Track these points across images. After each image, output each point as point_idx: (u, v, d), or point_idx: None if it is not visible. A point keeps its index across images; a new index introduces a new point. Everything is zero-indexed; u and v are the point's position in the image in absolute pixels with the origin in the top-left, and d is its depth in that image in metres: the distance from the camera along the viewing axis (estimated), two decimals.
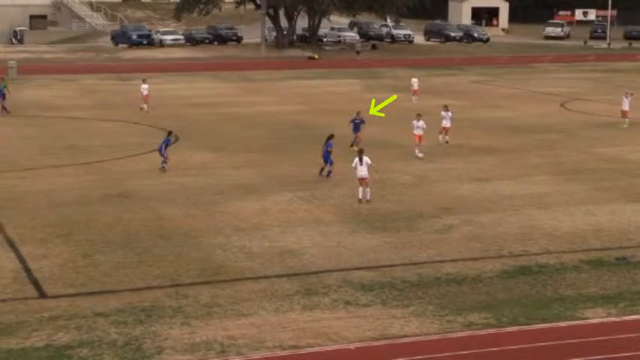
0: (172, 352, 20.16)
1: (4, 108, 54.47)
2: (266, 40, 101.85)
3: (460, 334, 21.23)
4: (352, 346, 20.49)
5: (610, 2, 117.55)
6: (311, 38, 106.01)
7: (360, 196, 33.09)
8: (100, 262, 26.29)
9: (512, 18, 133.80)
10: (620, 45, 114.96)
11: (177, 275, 25.27)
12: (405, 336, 21.14)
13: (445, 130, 44.75)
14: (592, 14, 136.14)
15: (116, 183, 36.49)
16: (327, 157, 37.15)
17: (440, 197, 34.28)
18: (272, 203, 33.32)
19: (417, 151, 41.51)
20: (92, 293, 23.81)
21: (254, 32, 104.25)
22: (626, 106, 50.76)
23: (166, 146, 38.72)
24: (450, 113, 44.82)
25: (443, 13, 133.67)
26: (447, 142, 44.36)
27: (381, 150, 43.44)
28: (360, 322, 21.89)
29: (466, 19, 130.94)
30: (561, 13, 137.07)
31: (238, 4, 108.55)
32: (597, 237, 29.25)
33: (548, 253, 27.52)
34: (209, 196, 34.36)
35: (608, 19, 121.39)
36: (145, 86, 56.24)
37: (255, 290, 24.12)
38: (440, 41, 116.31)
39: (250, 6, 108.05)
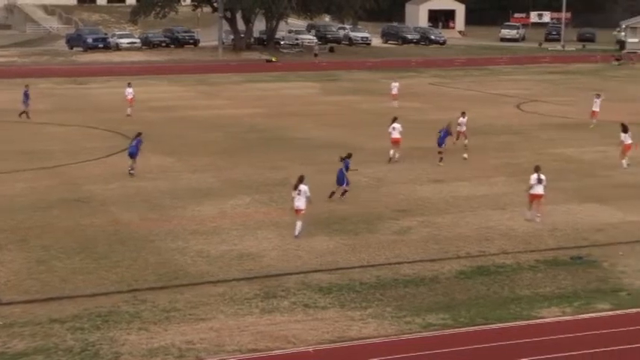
0: (130, 358, 20.05)
1: None
2: (223, 43, 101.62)
3: (418, 335, 21.32)
4: (311, 349, 20.51)
5: (564, 5, 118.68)
6: (268, 41, 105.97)
7: (298, 230, 29.31)
8: (56, 268, 26.07)
9: (469, 20, 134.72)
10: (574, 47, 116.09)
11: (135, 280, 25.14)
12: (364, 338, 21.19)
13: (462, 135, 44.05)
14: (547, 17, 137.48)
15: (73, 188, 36.21)
16: (341, 178, 33.91)
17: (398, 199, 34.40)
18: (230, 207, 33.26)
19: (391, 152, 41.39)
20: (48, 299, 23.61)
21: (211, 35, 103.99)
22: (596, 107, 51.42)
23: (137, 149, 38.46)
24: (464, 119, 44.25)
25: (400, 16, 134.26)
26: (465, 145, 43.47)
27: (342, 152, 43.47)
28: (319, 325, 21.92)
29: (423, 22, 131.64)
30: (516, 15, 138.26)
31: (195, 7, 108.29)
32: (553, 237, 29.53)
33: (505, 253, 27.74)
34: (167, 200, 34.22)
35: (563, 21, 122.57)
36: (129, 90, 55.92)
37: (214, 294, 24.06)
38: (397, 43, 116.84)
39: (207, 9, 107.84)
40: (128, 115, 54.77)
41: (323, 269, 26.15)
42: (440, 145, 41.09)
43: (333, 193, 34.00)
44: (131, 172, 38.31)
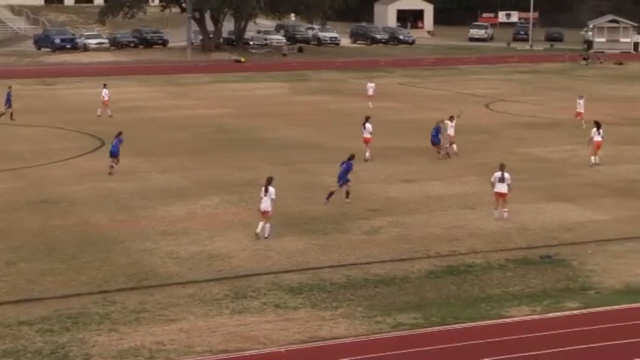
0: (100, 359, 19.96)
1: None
2: (192, 43, 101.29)
3: (389, 335, 21.35)
4: (282, 349, 20.48)
5: (532, 5, 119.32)
6: (237, 41, 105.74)
7: (259, 230, 28.99)
8: (24, 270, 25.87)
9: (437, 20, 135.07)
10: (542, 47, 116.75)
11: (105, 281, 25.00)
12: (335, 338, 21.19)
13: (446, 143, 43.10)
14: (515, 16, 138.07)
15: (41, 189, 35.97)
16: (343, 177, 33.70)
17: (368, 199, 34.43)
18: (200, 207, 33.15)
19: (367, 154, 41.35)
20: (16, 301, 23.42)
21: (180, 36, 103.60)
22: (580, 108, 51.56)
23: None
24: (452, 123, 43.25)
25: (369, 16, 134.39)
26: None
27: (311, 152, 43.56)
28: (290, 325, 21.89)
29: (392, 22, 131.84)
30: (485, 15, 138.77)
31: (163, 7, 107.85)
32: (522, 236, 29.66)
33: (475, 252, 27.83)
34: (136, 201, 34.06)
35: (530, 21, 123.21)
36: (105, 91, 55.68)
37: (184, 295, 23.98)
38: (366, 43, 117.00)
39: (176, 9, 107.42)
40: (98, 116, 54.46)
41: (293, 269, 26.12)
42: (434, 143, 41.92)
43: (331, 193, 33.68)
44: (111, 171, 38.32)
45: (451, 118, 42.96)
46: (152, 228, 30.31)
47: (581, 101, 52.19)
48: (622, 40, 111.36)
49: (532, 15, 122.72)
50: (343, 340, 21.05)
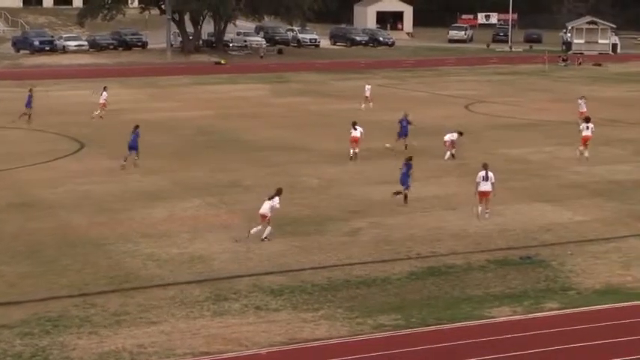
0: None
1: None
2: (172, 45, 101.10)
3: (370, 336, 21.37)
4: (263, 351, 20.47)
5: (511, 6, 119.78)
6: (217, 43, 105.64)
7: (252, 231, 28.97)
8: (3, 273, 25.75)
9: (417, 22, 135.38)
10: (521, 48, 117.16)
11: (85, 284, 24.92)
12: (316, 339, 21.19)
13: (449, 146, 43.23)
14: (494, 18, 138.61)
15: (20, 192, 35.79)
16: (405, 180, 33.64)
17: (349, 200, 34.45)
18: (180, 209, 33.09)
19: (351, 151, 41.92)
20: None
21: (159, 38, 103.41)
22: (582, 108, 52.28)
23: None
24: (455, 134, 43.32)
25: (348, 17, 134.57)
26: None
27: (291, 154, 43.56)
28: (271, 327, 21.88)
29: (371, 23, 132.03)
30: (464, 16, 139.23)
31: (143, 9, 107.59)
32: (503, 237, 29.75)
33: (456, 253, 27.89)
34: (116, 203, 33.96)
35: (510, 22, 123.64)
36: (105, 94, 55.61)
37: (165, 297, 23.93)
38: (346, 45, 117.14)
39: (155, 11, 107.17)
40: (97, 117, 54.42)
41: (274, 271, 26.12)
42: (402, 135, 43.77)
43: (398, 192, 33.63)
44: (124, 163, 39.65)
45: (460, 134, 43.14)
46: (133, 230, 30.24)
47: (582, 101, 53.17)
48: (600, 41, 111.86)
49: (511, 16, 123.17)
50: (324, 342, 21.05)
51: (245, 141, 47.39)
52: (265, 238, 28.93)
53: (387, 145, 43.90)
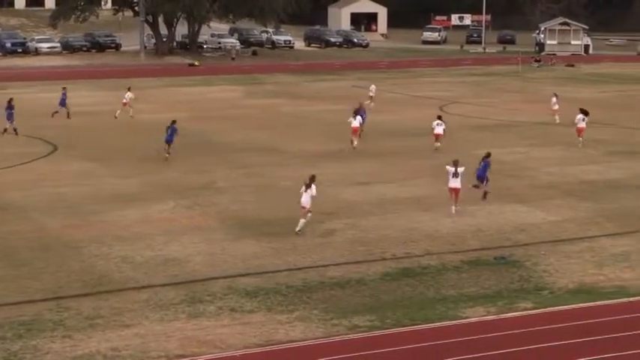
0: None
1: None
2: (145, 47, 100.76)
3: (345, 337, 21.39)
4: (238, 353, 20.45)
5: (484, 7, 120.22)
6: (191, 45, 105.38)
7: (299, 228, 29.82)
8: None
9: (391, 23, 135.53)
10: (494, 49, 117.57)
11: (59, 287, 24.79)
12: (291, 341, 21.19)
13: (437, 137, 44.87)
14: (467, 19, 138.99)
15: None
16: (483, 175, 34.30)
17: (323, 202, 34.37)
18: (155, 211, 32.99)
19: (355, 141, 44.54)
20: None
21: (133, 39, 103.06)
22: (555, 106, 54.29)
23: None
24: (442, 123, 45.09)
25: (323, 19, 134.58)
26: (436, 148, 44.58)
27: (266, 155, 43.54)
28: (246, 329, 21.86)
29: (345, 25, 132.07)
30: (438, 18, 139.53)
31: (116, 10, 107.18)
32: (477, 237, 29.87)
33: (430, 254, 27.97)
34: (90, 205, 33.81)
35: (483, 23, 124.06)
36: (128, 94, 57.13)
37: (139, 300, 23.85)
38: (320, 46, 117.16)
39: (128, 13, 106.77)
40: (115, 117, 55.65)
41: (249, 273, 26.10)
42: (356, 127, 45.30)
43: (485, 193, 34.36)
44: (166, 155, 41.93)
45: (439, 118, 45.80)
46: (107, 233, 30.11)
47: (554, 99, 54.48)
48: (573, 42, 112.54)
49: (485, 18, 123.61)
50: (299, 344, 21.06)
51: (219, 143, 47.32)
52: (299, 230, 29.58)
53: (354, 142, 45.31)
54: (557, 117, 53.69)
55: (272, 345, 20.99)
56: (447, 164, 33.47)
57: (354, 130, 44.82)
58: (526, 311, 23.14)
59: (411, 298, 24.15)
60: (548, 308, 23.30)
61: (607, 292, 24.66)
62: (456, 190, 32.47)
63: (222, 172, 39.60)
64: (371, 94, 61.57)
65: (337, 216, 32.29)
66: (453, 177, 32.50)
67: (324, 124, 53.46)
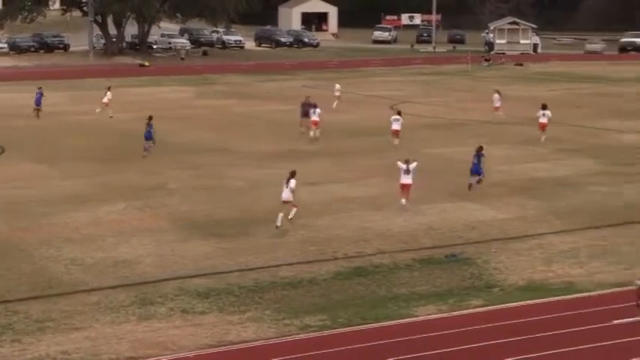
0: None
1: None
2: (94, 47, 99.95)
3: (297, 337, 21.39)
4: (190, 355, 20.36)
5: (434, 7, 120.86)
6: (141, 45, 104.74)
7: (279, 223, 30.15)
8: None
9: (342, 22, 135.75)
10: (444, 48, 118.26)
11: (7, 291, 24.51)
12: (243, 342, 21.15)
13: (395, 133, 46.22)
14: (418, 19, 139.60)
15: None
16: (477, 169, 35.79)
17: (274, 202, 34.29)
18: (105, 213, 32.74)
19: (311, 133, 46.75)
20: None
21: (82, 40, 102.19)
22: (497, 103, 55.27)
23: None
24: (400, 118, 46.58)
25: (273, 19, 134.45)
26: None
27: (217, 156, 43.41)
28: (198, 330, 21.77)
29: (296, 25, 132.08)
30: (388, 17, 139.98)
31: (64, 11, 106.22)
32: (428, 236, 30.01)
33: (382, 253, 28.06)
34: (39, 207, 33.45)
35: (433, 23, 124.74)
36: (109, 94, 57.42)
37: (89, 303, 23.66)
38: (270, 46, 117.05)
39: (77, 13, 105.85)
40: (100, 113, 56.19)
41: (200, 274, 25.99)
42: (305, 116, 47.86)
43: (470, 185, 35.55)
44: (145, 153, 42.63)
45: (399, 113, 47.12)
46: (56, 235, 29.82)
47: (497, 96, 55.66)
48: (522, 41, 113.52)
49: (435, 17, 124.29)
50: (251, 344, 21.02)
51: (170, 143, 46.99)
52: (291, 218, 30.35)
53: (302, 129, 48.08)
54: (500, 114, 54.85)
55: (224, 346, 20.93)
56: (399, 160, 33.76)
57: (314, 123, 47.03)
58: (477, 309, 23.29)
59: (363, 297, 24.20)
60: (499, 305, 23.48)
61: (556, 288, 24.92)
62: (407, 186, 32.98)
63: (173, 172, 39.41)
64: (337, 93, 61.88)
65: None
66: (404, 174, 32.99)
67: (275, 124, 53.41)
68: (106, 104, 57.08)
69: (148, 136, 43.24)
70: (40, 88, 58.22)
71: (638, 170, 40.54)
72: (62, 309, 23.18)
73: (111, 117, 55.81)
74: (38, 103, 56.53)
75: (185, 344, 20.96)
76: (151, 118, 43.91)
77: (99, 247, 28.45)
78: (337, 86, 62.79)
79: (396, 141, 45.50)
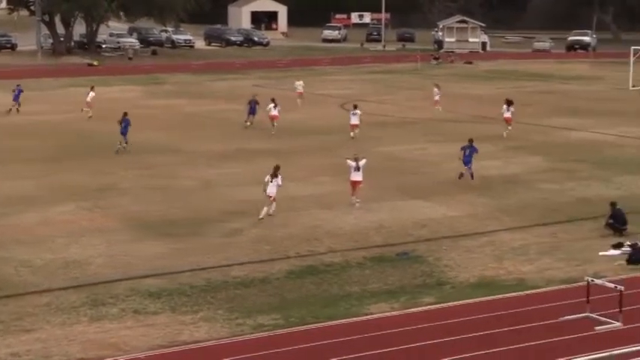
0: None
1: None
2: (42, 47, 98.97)
3: (250, 337, 21.38)
4: (142, 355, 20.26)
5: (384, 6, 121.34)
6: (89, 45, 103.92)
7: (262, 216, 31.07)
8: None
9: (291, 21, 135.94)
10: (394, 47, 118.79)
11: None
12: (196, 342, 21.09)
13: (353, 127, 47.45)
14: (367, 17, 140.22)
15: None
16: (469, 160, 36.98)
17: (226, 201, 34.37)
18: (54, 214, 32.45)
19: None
20: None
21: (29, 39, 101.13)
22: (436, 97, 57.63)
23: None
24: (358, 111, 47.92)
25: (223, 18, 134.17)
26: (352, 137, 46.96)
27: (167, 155, 43.22)
28: (150, 331, 21.68)
29: (246, 24, 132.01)
30: (338, 16, 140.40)
31: (11, 10, 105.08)
32: (379, 234, 30.13)
33: (333, 251, 28.12)
34: None
35: (383, 22, 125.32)
36: (92, 94, 56.93)
37: (40, 304, 23.44)
38: (220, 45, 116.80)
39: (24, 12, 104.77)
40: (88, 114, 55.46)
41: (152, 274, 25.87)
42: (250, 114, 50.44)
43: (462, 175, 36.76)
44: (120, 147, 43.24)
45: (355, 107, 48.41)
46: (4, 236, 29.49)
47: (436, 90, 57.85)
48: (471, 39, 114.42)
49: (384, 16, 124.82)
50: (204, 344, 20.96)
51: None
52: (271, 214, 31.12)
53: (248, 123, 50.29)
54: (439, 108, 56.74)
55: (177, 346, 20.85)
56: (348, 158, 33.91)
57: (274, 118, 48.82)
58: (429, 306, 23.42)
59: (315, 296, 24.25)
60: (450, 302, 23.62)
61: (507, 284, 25.14)
62: (357, 183, 33.28)
63: (123, 173, 39.16)
64: (299, 90, 62.50)
65: (240, 215, 32.21)
66: (354, 170, 33.25)
67: (225, 124, 53.31)
68: (89, 104, 56.31)
69: (124, 132, 43.77)
70: (18, 85, 59.17)
71: (586, 167, 41.06)
72: (12, 310, 22.95)
73: (90, 117, 55.01)
74: (16, 98, 57.63)
75: (137, 345, 20.86)
76: (125, 114, 44.16)
77: (49, 249, 28.20)
78: (299, 82, 63.62)
79: (352, 134, 46.67)
